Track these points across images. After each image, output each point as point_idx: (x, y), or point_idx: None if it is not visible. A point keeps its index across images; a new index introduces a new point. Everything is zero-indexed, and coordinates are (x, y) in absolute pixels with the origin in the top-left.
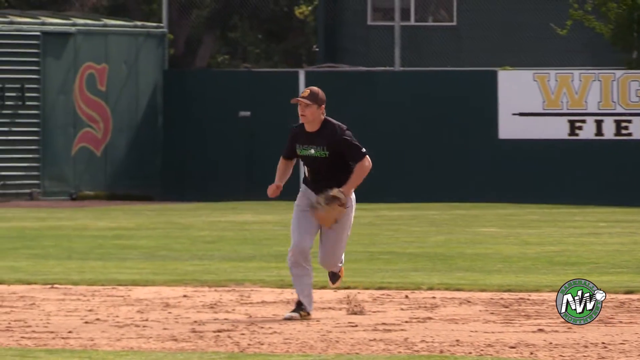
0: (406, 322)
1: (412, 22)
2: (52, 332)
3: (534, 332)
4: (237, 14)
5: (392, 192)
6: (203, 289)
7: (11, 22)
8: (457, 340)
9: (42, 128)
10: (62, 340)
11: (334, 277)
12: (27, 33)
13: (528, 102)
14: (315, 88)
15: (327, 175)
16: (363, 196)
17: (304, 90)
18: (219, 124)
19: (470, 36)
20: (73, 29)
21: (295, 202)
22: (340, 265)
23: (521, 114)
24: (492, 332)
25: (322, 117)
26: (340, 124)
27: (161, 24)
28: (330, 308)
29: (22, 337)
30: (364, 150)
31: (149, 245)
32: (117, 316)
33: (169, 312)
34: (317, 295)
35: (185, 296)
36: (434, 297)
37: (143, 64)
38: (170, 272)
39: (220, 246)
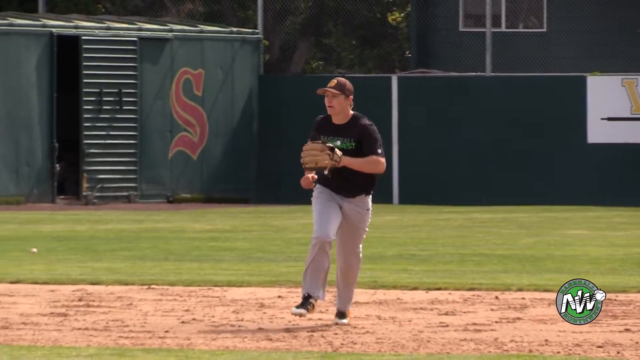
0: (496, 322)
1: (503, 29)
2: (149, 331)
3: (620, 332)
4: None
5: (482, 195)
6: (297, 290)
7: (109, 28)
8: (546, 340)
9: (140, 132)
10: (159, 340)
11: (341, 316)
12: (124, 38)
13: (616, 107)
14: (342, 79)
15: (350, 177)
16: (454, 198)
17: (331, 80)
18: (309, 130)
19: (560, 42)
20: (170, 34)
21: (314, 195)
22: (349, 307)
23: (609, 119)
24: (580, 332)
25: (350, 109)
26: (369, 119)
27: (256, 30)
28: (421, 309)
29: (120, 337)
30: (381, 151)
31: (245, 247)
32: (213, 316)
33: (264, 313)
34: (409, 295)
35: (279, 297)
36: (523, 298)
37: (238, 69)
38: (265, 273)
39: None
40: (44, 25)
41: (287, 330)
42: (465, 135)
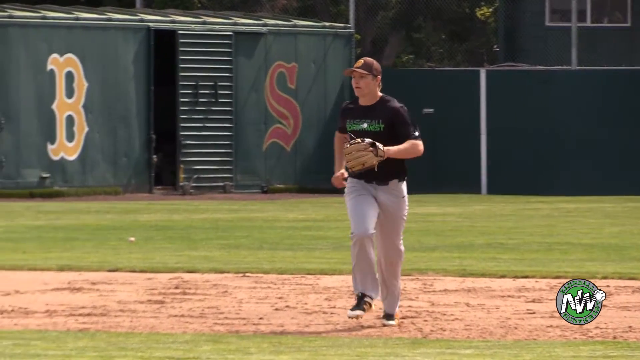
0: None
1: (588, 23)
2: (243, 318)
3: None
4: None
5: (568, 185)
6: None
7: (204, 23)
8: (630, 327)
9: (235, 124)
10: (254, 326)
11: (388, 317)
12: (220, 33)
13: None
14: (369, 59)
15: (384, 162)
16: (541, 188)
17: (357, 61)
18: None
19: None
20: (264, 29)
21: (346, 191)
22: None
23: None
24: None
25: (379, 91)
26: (399, 102)
27: (348, 25)
28: (509, 296)
29: (215, 323)
30: (418, 133)
31: (337, 236)
32: (305, 303)
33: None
34: (497, 283)
35: None
36: (607, 286)
37: (331, 63)
38: None
39: (404, 237)
40: (142, 20)
41: (378, 317)
42: (551, 127)
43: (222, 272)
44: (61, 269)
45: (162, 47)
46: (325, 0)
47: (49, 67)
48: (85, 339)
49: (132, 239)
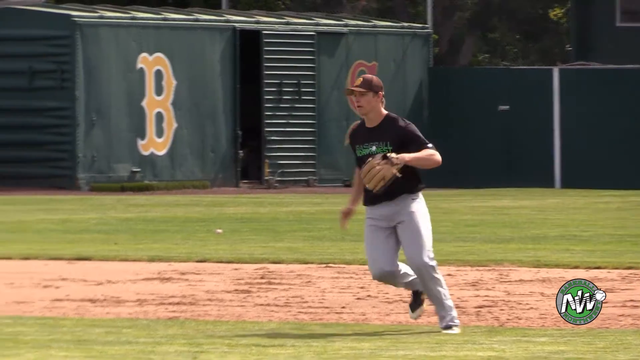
0: None
1: None
2: (326, 307)
3: None
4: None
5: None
6: (465, 269)
7: (288, 23)
8: None
9: (317, 121)
10: (336, 315)
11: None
12: (302, 33)
13: None
14: (369, 75)
15: (398, 178)
16: (612, 182)
17: (357, 79)
18: (480, 117)
19: None
20: (345, 29)
21: (365, 225)
22: (455, 321)
23: None
24: None
25: (382, 108)
26: (404, 119)
27: (426, 25)
28: None
29: (299, 312)
30: (431, 145)
31: None
32: (386, 293)
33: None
34: (570, 274)
35: (449, 275)
36: None
37: (410, 62)
38: (435, 252)
39: (481, 229)
40: (227, 21)
41: (457, 306)
42: (622, 124)
43: (306, 262)
44: (151, 259)
45: (247, 46)
46: (404, 1)
47: (139, 65)
48: (175, 327)
49: (220, 230)
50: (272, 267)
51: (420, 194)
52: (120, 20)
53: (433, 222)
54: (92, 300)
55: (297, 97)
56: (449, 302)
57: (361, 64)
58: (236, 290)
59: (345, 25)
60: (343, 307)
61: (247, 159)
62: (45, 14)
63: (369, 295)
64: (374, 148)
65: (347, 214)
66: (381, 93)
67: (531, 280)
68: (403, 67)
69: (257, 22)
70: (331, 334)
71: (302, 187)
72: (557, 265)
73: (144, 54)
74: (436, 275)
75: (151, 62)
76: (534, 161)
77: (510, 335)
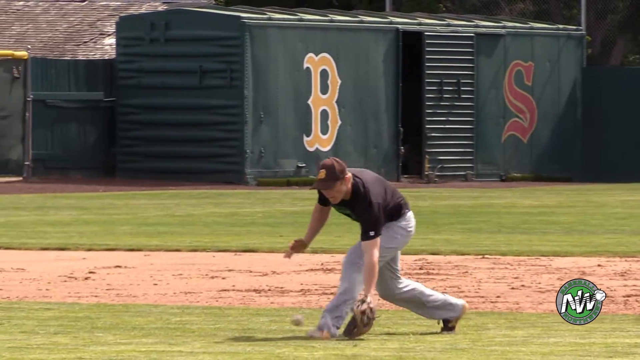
0: None
1: None
2: (482, 296)
3: None
4: None
5: None
6: (614, 259)
7: (449, 25)
8: None
9: (476, 118)
10: (491, 304)
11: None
12: (462, 34)
13: None
14: (328, 162)
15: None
16: None
17: (319, 170)
18: (631, 115)
19: None
20: (503, 31)
21: None
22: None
23: None
24: None
25: (350, 185)
26: (370, 188)
27: (580, 27)
28: None
29: None
30: (372, 233)
31: (569, 221)
32: (539, 283)
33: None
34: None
35: (599, 265)
36: None
37: (564, 62)
38: (586, 244)
39: (630, 222)
40: (391, 22)
41: (607, 295)
42: None
43: (462, 254)
44: (315, 251)
45: (409, 47)
46: (559, 4)
47: (305, 65)
48: None
49: None
50: (430, 258)
51: (407, 217)
52: (287, 21)
53: (584, 215)
54: (257, 291)
55: (456, 96)
56: (434, 301)
57: (518, 64)
58: None
59: (503, 27)
60: (498, 297)
61: (408, 154)
62: (216, 15)
63: (522, 285)
64: (349, 212)
65: (298, 247)
66: (348, 176)
67: None
68: (558, 67)
69: (420, 24)
70: (486, 322)
71: (460, 182)
72: None
73: (310, 54)
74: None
75: (317, 62)
76: None
77: None
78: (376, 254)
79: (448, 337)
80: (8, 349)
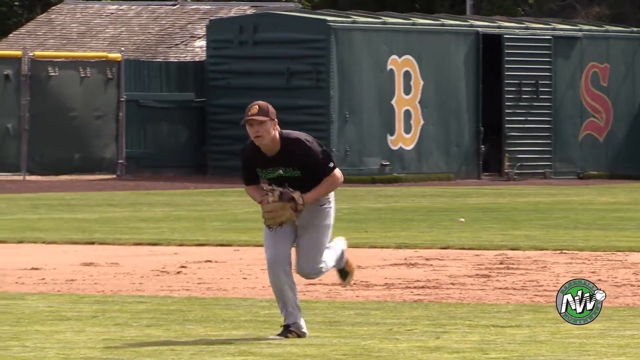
0: None
1: None
2: None
3: None
4: None
5: None
6: None
7: (527, 28)
8: None
9: (553, 118)
10: None
11: (343, 274)
12: (540, 37)
13: None
14: (263, 102)
15: (296, 186)
16: None
17: (250, 107)
18: None
19: None
20: (579, 33)
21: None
22: (323, 267)
23: None
24: None
25: (277, 133)
26: (301, 134)
27: None
28: None
29: (535, 295)
30: (332, 165)
31: None
32: (615, 277)
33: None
34: None
35: None
36: None
37: (639, 64)
38: None
39: None
40: (471, 26)
41: None
42: None
43: (541, 249)
44: (398, 246)
45: (488, 49)
46: (634, 7)
47: (389, 67)
48: (419, 309)
49: (462, 219)
50: (510, 253)
51: (330, 198)
52: (372, 25)
53: None
54: (342, 285)
55: (534, 96)
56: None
57: (594, 66)
58: (477, 274)
59: (580, 30)
60: None
61: (488, 153)
62: (303, 19)
63: (599, 280)
64: (281, 171)
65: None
66: (276, 121)
67: None
68: (632, 69)
69: (499, 27)
70: None
71: (539, 179)
72: None
73: (394, 56)
74: (323, 270)
75: (400, 64)
76: None
77: None
78: (340, 176)
79: (527, 330)
80: (102, 340)
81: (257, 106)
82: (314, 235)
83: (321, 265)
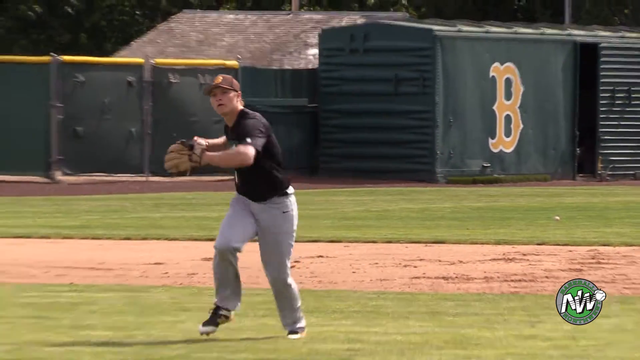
0: None
1: None
2: None
3: None
4: None
5: None
6: None
7: (623, 37)
8: None
9: None
10: None
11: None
12: (636, 46)
13: None
14: (227, 75)
15: (250, 177)
16: None
17: (215, 78)
18: None
19: None
20: None
21: (231, 202)
22: (302, 328)
23: None
24: None
25: (239, 107)
26: (256, 114)
27: None
28: None
29: (624, 288)
30: (249, 140)
31: None
32: None
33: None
34: None
35: None
36: None
37: None
38: None
39: None
40: (569, 35)
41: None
42: None
43: (631, 245)
44: (497, 242)
45: (585, 57)
46: None
47: (491, 74)
48: (516, 301)
49: (558, 217)
50: (601, 249)
51: (289, 193)
52: (475, 33)
53: None
54: (445, 278)
55: (627, 102)
56: (299, 309)
57: None
58: (569, 269)
59: None
60: None
61: (583, 155)
62: (410, 28)
63: None
64: (235, 144)
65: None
66: (240, 93)
67: None
68: None
69: (596, 36)
70: None
71: (630, 180)
72: None
73: (496, 64)
74: (290, 283)
75: (502, 71)
76: None
77: None
78: (250, 152)
79: (615, 319)
80: (222, 329)
81: (221, 77)
82: (275, 241)
83: (286, 276)
